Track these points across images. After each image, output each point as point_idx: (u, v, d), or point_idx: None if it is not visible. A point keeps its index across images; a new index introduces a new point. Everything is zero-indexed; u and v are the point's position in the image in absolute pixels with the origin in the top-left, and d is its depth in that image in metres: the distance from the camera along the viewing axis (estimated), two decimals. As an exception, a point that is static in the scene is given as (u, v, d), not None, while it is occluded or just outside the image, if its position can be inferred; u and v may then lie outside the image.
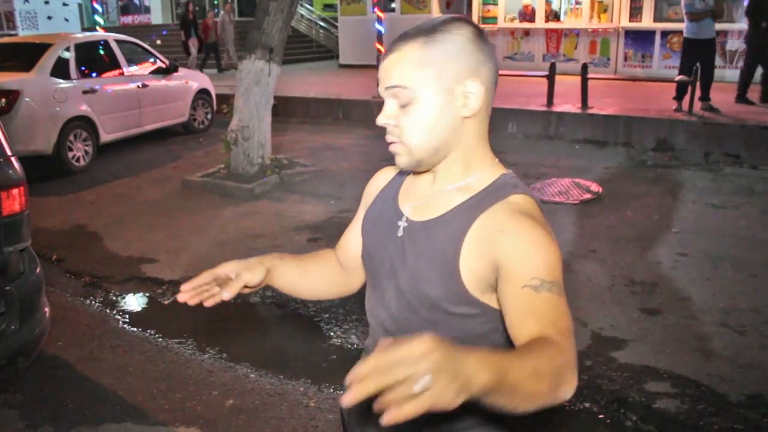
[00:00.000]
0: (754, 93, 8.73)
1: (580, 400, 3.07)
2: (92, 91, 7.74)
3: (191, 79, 9.69)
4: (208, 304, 1.27)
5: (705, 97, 8.25)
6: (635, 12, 12.32)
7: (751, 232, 5.12)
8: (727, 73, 11.00)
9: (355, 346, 3.59)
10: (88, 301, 4.33)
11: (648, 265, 4.54)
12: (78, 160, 7.54)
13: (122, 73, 8.39)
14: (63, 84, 7.41)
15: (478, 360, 0.79)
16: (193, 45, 15.24)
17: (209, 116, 10.00)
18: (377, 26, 11.25)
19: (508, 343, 1.12)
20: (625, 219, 5.44)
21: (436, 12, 14.09)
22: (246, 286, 1.28)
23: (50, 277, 4.23)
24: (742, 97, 8.66)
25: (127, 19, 25.03)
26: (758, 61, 8.57)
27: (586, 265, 4.54)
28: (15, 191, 2.75)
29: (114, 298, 4.37)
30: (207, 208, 6.12)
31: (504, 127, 8.88)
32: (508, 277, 1.03)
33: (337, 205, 6.00)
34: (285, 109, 9.87)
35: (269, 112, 6.82)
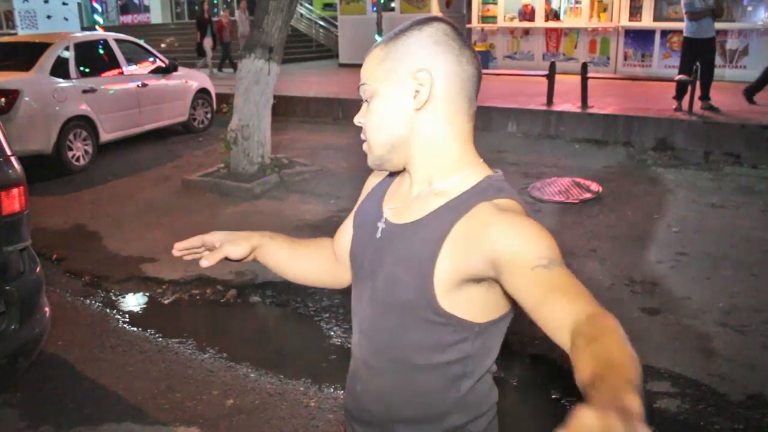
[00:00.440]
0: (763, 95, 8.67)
1: (581, 399, 3.06)
2: (92, 90, 7.73)
3: (191, 79, 9.69)
4: (200, 263, 1.31)
5: (705, 97, 8.25)
6: (635, 11, 12.31)
7: (750, 231, 5.12)
8: (727, 73, 11.00)
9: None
10: (88, 301, 4.33)
11: (648, 265, 4.54)
12: (78, 159, 7.54)
13: (122, 73, 8.38)
14: (62, 83, 7.41)
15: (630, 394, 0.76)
16: (208, 45, 15.13)
17: (209, 115, 10.00)
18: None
19: (480, 352, 1.12)
20: (625, 218, 5.44)
21: (435, 11, 14.08)
22: (228, 258, 1.30)
23: (50, 277, 4.23)
24: (749, 93, 8.57)
25: (127, 19, 25.04)
26: None
27: (586, 264, 4.53)
28: (15, 191, 2.75)
29: (114, 297, 4.37)
30: (207, 208, 6.12)
31: (504, 127, 8.88)
32: (512, 268, 0.99)
33: (337, 204, 6.00)
34: (285, 109, 9.88)
35: (269, 112, 6.82)
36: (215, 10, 19.65)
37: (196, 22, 15.47)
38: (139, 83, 8.52)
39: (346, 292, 1.42)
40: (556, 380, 3.23)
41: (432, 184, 1.13)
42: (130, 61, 8.63)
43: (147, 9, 24.48)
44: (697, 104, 8.17)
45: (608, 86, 10.36)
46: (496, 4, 14.03)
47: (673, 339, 3.58)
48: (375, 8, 14.58)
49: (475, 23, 14.00)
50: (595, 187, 6.21)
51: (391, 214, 1.19)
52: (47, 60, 7.37)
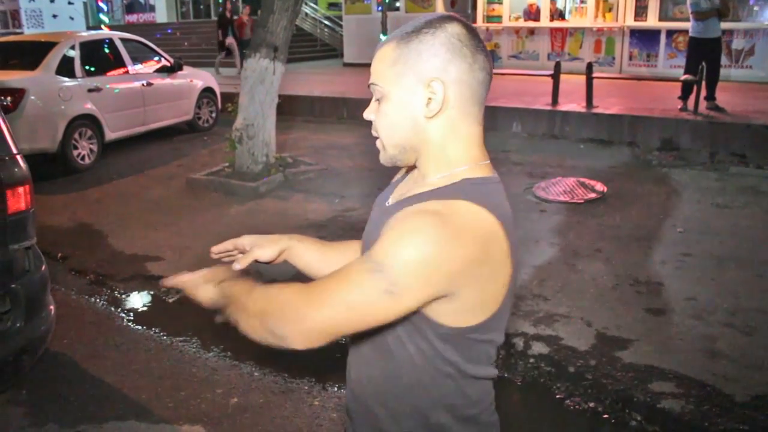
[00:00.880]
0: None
1: (585, 399, 3.07)
2: (97, 89, 7.75)
3: (196, 78, 9.70)
4: (233, 266, 1.37)
5: (710, 97, 8.22)
6: (640, 11, 12.28)
7: (756, 231, 5.10)
8: (733, 73, 10.97)
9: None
10: (92, 299, 4.34)
11: (653, 265, 4.53)
12: (83, 158, 7.56)
13: (127, 72, 8.41)
14: (68, 82, 7.43)
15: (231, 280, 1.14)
16: (233, 43, 15.03)
17: (214, 115, 10.01)
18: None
19: (454, 357, 1.11)
20: (630, 218, 5.42)
21: (440, 10, 14.06)
22: (257, 261, 1.38)
23: (55, 275, 4.25)
24: None
25: (132, 18, 25.09)
26: None
27: (591, 264, 4.53)
28: (21, 189, 2.76)
29: (119, 296, 4.38)
30: (211, 207, 6.13)
31: (509, 126, 8.87)
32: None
33: (342, 203, 6.00)
34: (289, 108, 9.88)
35: (274, 111, 6.82)
36: (243, 6, 19.54)
37: (218, 20, 15.40)
38: (144, 82, 8.53)
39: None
40: (560, 380, 3.22)
41: (428, 177, 1.16)
42: (136, 60, 8.65)
43: (152, 8, 24.53)
44: (703, 104, 8.15)
45: (613, 86, 10.33)
46: (501, 3, 14.02)
47: (677, 339, 3.57)
48: (380, 8, 14.58)
49: (480, 23, 13.99)
50: (599, 187, 6.20)
51: (391, 200, 1.24)
52: (53, 59, 7.39)
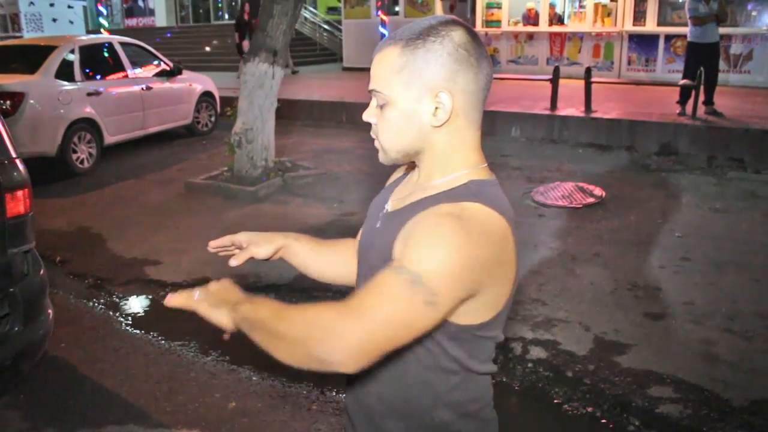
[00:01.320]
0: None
1: (583, 404, 3.06)
2: (96, 93, 7.76)
3: (195, 82, 9.72)
4: (229, 262, 1.38)
5: (709, 101, 8.24)
6: (639, 16, 12.30)
7: (754, 236, 5.11)
8: (731, 77, 10.99)
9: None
10: (91, 303, 4.34)
11: (651, 270, 4.53)
12: (82, 162, 7.56)
13: (126, 76, 8.42)
14: (67, 86, 7.43)
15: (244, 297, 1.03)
16: (246, 47, 14.99)
17: (213, 119, 10.02)
18: (381, 29, 11.26)
19: (459, 354, 1.13)
20: (629, 223, 5.43)
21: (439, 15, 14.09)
22: (254, 258, 1.38)
23: (54, 279, 4.24)
24: None
25: (132, 22, 25.11)
26: None
27: (589, 269, 4.53)
28: (19, 193, 2.76)
29: (117, 300, 4.38)
30: (210, 211, 6.13)
31: (507, 131, 8.88)
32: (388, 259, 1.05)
33: (340, 207, 6.00)
34: (289, 112, 9.89)
35: (273, 115, 6.83)
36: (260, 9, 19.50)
37: (236, 23, 15.38)
38: (144, 86, 8.54)
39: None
40: (558, 385, 3.22)
41: (432, 179, 1.17)
42: (135, 64, 8.66)
43: (152, 12, 24.56)
44: (701, 109, 8.17)
45: (612, 91, 10.35)
46: (500, 8, 14.04)
47: (675, 344, 3.57)
48: (379, 12, 14.61)
49: (479, 27, 14.00)
50: (598, 191, 6.20)
51: (391, 204, 1.24)
52: (52, 63, 7.40)
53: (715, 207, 5.80)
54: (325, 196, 6.43)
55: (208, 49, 17.08)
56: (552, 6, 13.47)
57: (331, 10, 20.40)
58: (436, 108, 1.10)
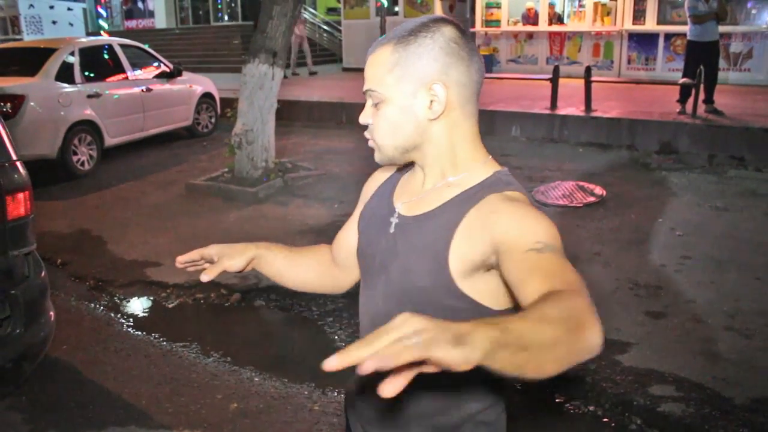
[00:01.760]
0: None
1: (584, 403, 3.06)
2: (96, 95, 7.77)
3: (195, 83, 9.72)
4: (200, 277, 1.33)
5: (709, 100, 8.23)
6: (638, 15, 12.29)
7: (755, 234, 5.11)
8: (731, 76, 10.98)
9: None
10: (92, 305, 4.34)
11: (652, 268, 4.53)
12: (82, 164, 7.57)
13: (126, 78, 8.42)
14: (67, 88, 7.44)
15: (471, 321, 0.74)
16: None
17: (213, 120, 10.02)
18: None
19: None
20: (629, 222, 5.43)
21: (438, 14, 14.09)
22: (227, 270, 1.34)
23: (55, 281, 4.25)
24: None
25: (131, 24, 25.11)
26: None
27: (590, 268, 4.53)
28: (20, 195, 2.76)
29: (118, 301, 4.38)
30: (211, 212, 6.13)
31: (507, 130, 8.87)
32: (509, 250, 1.01)
33: (341, 208, 6.00)
34: (289, 113, 9.89)
35: (273, 116, 6.83)
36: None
37: (254, 26, 15.34)
38: (144, 88, 8.55)
39: (349, 296, 1.43)
40: (559, 383, 3.22)
41: (446, 177, 1.18)
42: (135, 65, 8.66)
43: (152, 14, 24.56)
44: (701, 107, 8.16)
45: (612, 90, 10.35)
46: (499, 8, 14.04)
47: (677, 342, 3.57)
48: (379, 12, 14.60)
49: (478, 27, 14.01)
50: (598, 190, 6.21)
51: (403, 207, 1.23)
52: (52, 65, 7.40)
53: (716, 205, 5.80)
54: (326, 196, 6.43)
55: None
56: (551, 5, 13.46)
57: (331, 10, 20.40)
58: (431, 101, 1.11)
